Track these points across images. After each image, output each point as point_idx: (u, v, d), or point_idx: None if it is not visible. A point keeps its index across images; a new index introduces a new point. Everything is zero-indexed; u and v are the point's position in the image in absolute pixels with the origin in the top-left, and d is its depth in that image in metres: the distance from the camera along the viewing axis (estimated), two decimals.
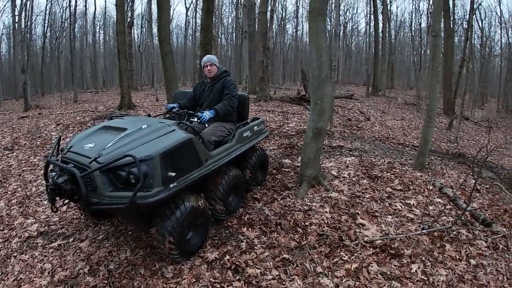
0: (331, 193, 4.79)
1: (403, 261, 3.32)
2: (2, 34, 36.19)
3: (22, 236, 4.33)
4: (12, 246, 4.14)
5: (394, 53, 33.74)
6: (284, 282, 3.11)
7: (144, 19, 38.50)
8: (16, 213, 5.03)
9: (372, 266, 3.24)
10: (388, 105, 17.11)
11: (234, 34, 36.46)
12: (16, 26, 24.80)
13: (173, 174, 3.11)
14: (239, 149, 4.28)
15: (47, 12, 31.32)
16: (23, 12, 23.06)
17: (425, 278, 3.12)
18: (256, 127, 4.80)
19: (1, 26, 42.39)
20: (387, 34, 25.57)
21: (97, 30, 40.59)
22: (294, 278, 3.16)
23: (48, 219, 4.72)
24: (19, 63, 21.59)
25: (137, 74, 31.96)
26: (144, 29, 39.10)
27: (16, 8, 24.24)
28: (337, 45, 11.52)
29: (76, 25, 31.58)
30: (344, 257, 3.42)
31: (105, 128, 3.69)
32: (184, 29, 42.88)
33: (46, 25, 32.13)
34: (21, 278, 3.51)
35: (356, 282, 3.05)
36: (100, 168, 2.96)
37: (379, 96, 21.39)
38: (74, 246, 4.00)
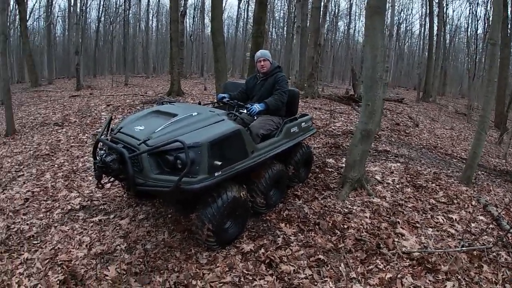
0: (373, 198, 4.66)
1: (438, 277, 3.18)
2: (58, 16, 38.01)
3: (65, 208, 4.53)
4: (54, 217, 4.34)
5: (447, 58, 32.26)
6: (316, 283, 3.06)
7: (196, 9, 39.12)
8: (61, 185, 5.26)
9: (406, 278, 3.13)
10: (438, 112, 16.45)
11: (285, 28, 36.22)
12: (72, 9, 25.91)
13: (219, 163, 3.13)
14: (285, 144, 4.24)
15: None
16: None
17: None
18: (303, 123, 4.73)
19: (57, 8, 44.34)
20: (441, 38, 24.45)
21: (150, 18, 41.67)
22: (327, 280, 3.10)
23: (91, 194, 4.90)
24: (73, 45, 22.51)
25: (187, 62, 32.59)
26: (196, 19, 39.75)
27: None
28: (391, 46, 11.16)
29: (130, 11, 32.62)
30: (380, 265, 3.32)
31: (155, 112, 3.78)
32: (235, 20, 43.31)
33: (100, 10, 33.35)
34: (58, 248, 3.67)
35: None
36: (148, 150, 3.03)
37: (430, 102, 20.53)
38: (114, 222, 4.13)
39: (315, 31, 14.24)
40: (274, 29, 42.11)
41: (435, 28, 22.90)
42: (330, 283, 3.06)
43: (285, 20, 36.83)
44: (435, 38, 22.49)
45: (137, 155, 3.07)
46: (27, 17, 23.13)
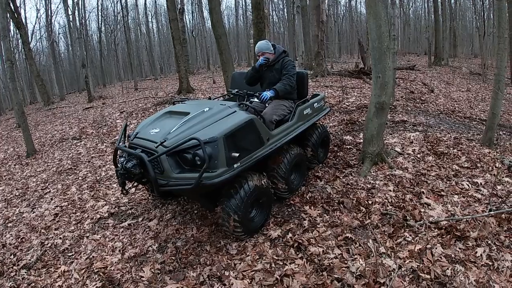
0: (395, 170, 4.63)
1: (468, 244, 3.16)
2: (59, 33, 38.51)
3: (94, 218, 4.65)
4: (85, 227, 4.47)
5: (455, 18, 31.24)
6: (346, 262, 3.07)
7: (194, 4, 39.04)
8: (87, 196, 5.40)
9: (436, 248, 3.11)
10: (452, 75, 16.10)
11: (285, 9, 35.84)
12: (71, 24, 26.20)
13: (237, 154, 3.17)
14: (300, 127, 4.25)
15: (99, 8, 32.70)
16: (76, 11, 24.22)
17: (490, 263, 2.94)
18: (316, 104, 4.72)
19: (57, 26, 44.94)
20: None
21: (150, 20, 41.79)
22: (356, 258, 3.11)
23: (118, 200, 5.02)
24: (79, 59, 22.79)
25: (193, 59, 32.66)
26: (195, 14, 39.70)
27: (68, 8, 25.60)
28: (395, 13, 10.87)
29: (129, 17, 32.70)
30: (408, 237, 3.31)
31: (168, 113, 3.84)
32: (234, 9, 43.10)
33: (99, 20, 33.60)
34: (93, 256, 3.78)
35: (420, 264, 2.94)
36: (166, 151, 3.09)
37: (442, 66, 20.05)
38: (143, 225, 4.23)
39: (316, 8, 13.97)
40: (274, 12, 41.67)
41: None
42: (360, 260, 3.07)
43: (284, 1, 36.40)
44: None
45: (156, 157, 3.13)
46: (29, 39, 23.46)
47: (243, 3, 39.06)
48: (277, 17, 42.78)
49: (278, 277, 2.97)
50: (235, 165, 3.19)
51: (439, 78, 15.05)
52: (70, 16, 26.15)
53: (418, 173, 4.58)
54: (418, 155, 5.12)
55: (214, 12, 8.24)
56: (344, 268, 2.99)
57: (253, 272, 3.08)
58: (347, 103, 8.93)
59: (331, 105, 8.75)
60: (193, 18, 40.82)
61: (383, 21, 4.45)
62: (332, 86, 11.56)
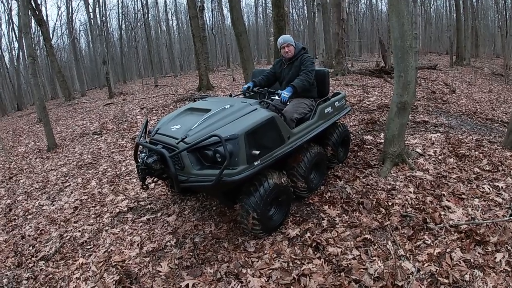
0: (416, 172, 4.56)
1: (487, 249, 3.08)
2: (80, 30, 39.18)
3: (113, 212, 4.72)
4: (104, 221, 4.54)
5: (477, 17, 30.53)
6: (364, 263, 3.05)
7: (214, 2, 39.24)
8: (107, 191, 5.48)
9: (455, 252, 3.05)
10: (474, 75, 15.77)
11: (305, 7, 35.69)
12: (92, 22, 26.63)
13: (257, 152, 3.17)
14: (320, 126, 4.22)
15: (120, 5, 33.15)
16: (97, 9, 24.62)
17: (509, 269, 2.87)
18: (337, 102, 4.68)
19: (78, 23, 45.85)
20: None
21: (170, 17, 42.17)
22: (375, 260, 3.08)
23: (137, 195, 5.07)
24: (99, 55, 23.13)
25: (212, 56, 32.83)
26: (215, 12, 39.89)
27: (89, 6, 26.07)
28: (416, 11, 10.64)
29: (149, 14, 33.08)
30: (427, 240, 3.26)
31: (189, 110, 3.87)
32: (254, 7, 43.11)
33: (120, 18, 34.08)
34: (111, 250, 3.83)
35: (438, 268, 2.90)
36: (187, 148, 3.11)
37: (464, 66, 19.62)
38: (161, 220, 4.27)
39: (337, 6, 13.84)
40: (294, 10, 41.50)
41: None
42: (379, 262, 3.04)
43: None
44: None
45: (177, 153, 3.15)
46: (51, 36, 23.91)
47: (263, 1, 39.07)
48: (296, 14, 42.65)
49: (295, 276, 2.97)
50: (256, 163, 3.19)
51: (460, 78, 14.78)
52: (91, 14, 26.68)
53: (439, 175, 4.50)
54: (439, 157, 5.02)
55: (234, 10, 8.27)
56: (362, 270, 2.97)
57: (270, 271, 3.08)
58: (367, 102, 8.84)
59: (352, 104, 8.68)
60: (213, 16, 41.06)
61: (406, 19, 4.37)
62: (353, 85, 11.47)
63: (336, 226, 3.60)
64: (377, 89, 10.71)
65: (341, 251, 3.21)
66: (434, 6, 42.90)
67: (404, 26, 4.35)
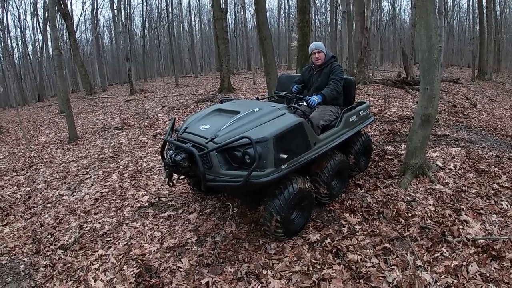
0: (436, 185, 4.55)
1: (503, 265, 3.09)
2: (104, 26, 39.84)
3: (134, 206, 4.79)
4: (124, 215, 4.61)
5: (500, 31, 29.98)
6: (383, 271, 3.07)
7: (237, 5, 39.48)
8: (128, 185, 5.56)
9: (472, 266, 3.05)
10: (496, 91, 15.51)
11: (327, 14, 35.66)
12: (116, 19, 27.07)
13: (285, 156, 3.22)
14: (345, 134, 4.26)
15: (144, 4, 33.55)
16: (121, 6, 25.04)
17: None
18: (362, 111, 4.71)
19: (102, 20, 46.61)
20: (491, 11, 22.78)
21: (193, 18, 42.58)
22: (394, 269, 3.10)
23: (158, 191, 5.15)
24: (122, 52, 23.48)
25: (233, 59, 33.02)
26: (237, 15, 40.16)
27: (114, 3, 26.53)
28: (441, 23, 10.47)
29: (173, 14, 33.43)
30: (445, 253, 3.27)
31: (218, 111, 3.93)
32: (276, 12, 43.14)
33: (144, 16, 34.49)
34: (131, 243, 3.89)
35: (455, 280, 2.91)
36: (217, 148, 3.18)
37: (485, 81, 19.25)
38: (182, 217, 4.33)
39: (361, 15, 13.83)
40: (316, 17, 41.39)
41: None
42: (397, 271, 3.06)
43: (326, 6, 36.16)
44: (484, 10, 21.08)
45: (207, 152, 3.21)
46: (75, 30, 24.34)
47: (286, 7, 39.18)
48: (319, 21, 42.56)
49: (315, 280, 3.00)
50: (282, 166, 3.23)
51: (482, 93, 14.58)
52: (115, 11, 27.14)
53: (459, 189, 4.48)
54: (459, 171, 5.00)
55: (260, 14, 8.33)
56: (380, 278, 3.00)
57: (290, 273, 3.11)
58: (389, 113, 8.82)
59: (373, 114, 8.64)
60: (235, 19, 41.30)
61: (434, 32, 4.37)
62: (374, 95, 11.42)
63: (356, 233, 3.62)
64: (399, 100, 10.66)
65: (361, 259, 3.24)
66: (457, 18, 42.31)
67: (432, 39, 4.36)
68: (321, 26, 42.56)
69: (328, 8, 33.69)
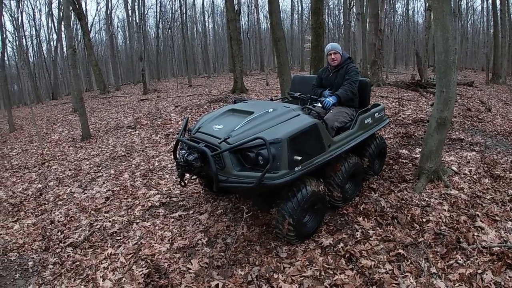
0: (451, 190, 4.46)
1: None
2: (118, 27, 40.26)
3: (145, 205, 4.79)
4: (135, 214, 4.60)
5: None
6: (396, 278, 3.00)
7: (250, 6, 39.62)
8: (139, 184, 5.56)
9: (486, 274, 2.98)
10: (510, 94, 15.28)
11: (341, 16, 35.52)
12: (130, 19, 27.33)
13: (299, 158, 3.17)
14: (360, 136, 4.20)
15: (158, 5, 33.82)
16: (136, 6, 25.28)
17: None
18: (377, 114, 4.64)
19: (116, 20, 47.16)
20: (506, 14, 22.35)
21: (206, 19, 42.79)
22: (407, 276, 3.03)
23: (169, 191, 5.14)
24: (136, 52, 23.68)
25: (246, 59, 33.09)
26: (250, 16, 40.28)
27: (128, 3, 26.81)
28: (456, 25, 10.35)
29: (186, 15, 33.64)
30: (460, 260, 3.19)
31: (231, 111, 3.90)
32: (289, 13, 43.14)
33: (157, 17, 34.80)
34: (141, 243, 3.88)
35: None
36: (231, 148, 3.15)
37: (500, 84, 18.94)
38: (193, 218, 4.31)
39: (375, 16, 13.73)
40: (330, 18, 41.26)
41: (498, 1, 21.11)
42: (411, 278, 2.99)
43: (339, 8, 36.01)
44: (498, 13, 20.73)
45: (220, 153, 3.18)
46: (89, 30, 24.64)
47: (299, 8, 39.12)
48: (332, 23, 42.41)
49: (327, 285, 2.95)
50: (296, 168, 3.19)
51: (496, 96, 14.34)
52: (129, 11, 27.40)
53: (474, 194, 4.40)
54: (474, 176, 4.91)
55: (274, 15, 8.32)
56: (394, 284, 2.93)
57: (302, 278, 3.07)
58: (403, 116, 8.71)
59: (387, 116, 8.54)
60: (248, 20, 41.41)
61: (450, 34, 4.29)
62: (388, 97, 11.32)
63: (370, 238, 3.56)
64: (413, 102, 10.54)
65: (374, 264, 3.18)
66: (471, 21, 41.72)
67: (449, 41, 4.28)
68: (334, 27, 42.38)
69: (342, 10, 33.54)
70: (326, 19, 37.32)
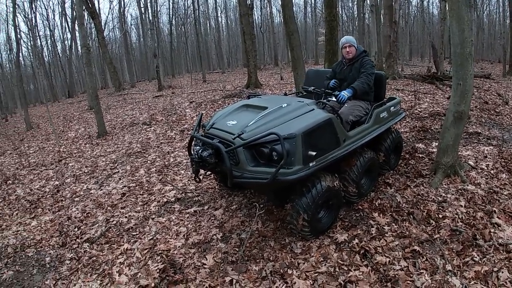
0: (468, 185, 4.38)
1: None
2: (131, 24, 40.61)
3: (161, 201, 4.84)
4: (151, 209, 4.66)
5: None
6: (411, 275, 2.98)
7: (263, 0, 39.48)
8: (155, 180, 5.62)
9: (502, 272, 2.92)
10: None
11: (354, 8, 35.12)
12: (143, 16, 27.53)
13: (314, 153, 3.15)
14: (375, 130, 4.14)
15: (171, 1, 33.98)
16: (148, 3, 25.48)
17: None
18: (392, 107, 4.57)
19: (129, 17, 47.62)
20: None
21: (219, 14, 42.84)
22: (422, 273, 3.00)
23: (185, 187, 5.18)
24: (150, 49, 23.86)
25: (260, 54, 33.04)
26: (263, 10, 40.15)
27: (141, 1, 27.04)
28: (471, 17, 10.16)
29: (199, 11, 33.74)
30: (476, 257, 3.14)
31: (245, 106, 3.90)
32: (303, 6, 42.85)
33: (170, 13, 35.00)
34: (157, 238, 3.93)
35: (484, 287, 2.81)
36: (244, 144, 3.14)
37: None
38: (208, 213, 4.34)
39: (389, 8, 13.49)
40: (343, 11, 40.80)
41: None
42: (426, 275, 2.96)
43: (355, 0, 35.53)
44: None
45: (234, 149, 3.19)
46: (103, 28, 24.91)
47: (312, 1, 38.83)
48: (346, 16, 41.96)
49: (342, 282, 2.94)
50: (311, 164, 3.17)
51: None
52: (142, 9, 27.60)
53: (491, 190, 4.31)
54: (492, 171, 4.81)
55: (287, 8, 8.25)
56: (409, 282, 2.91)
57: (316, 274, 3.06)
58: (419, 109, 8.57)
59: (403, 109, 8.43)
60: (262, 14, 41.31)
61: (466, 25, 4.18)
62: (404, 90, 11.15)
63: (385, 234, 3.52)
64: (429, 95, 10.36)
65: (389, 261, 3.15)
66: (487, 11, 40.73)
67: (465, 33, 4.18)
68: (348, 20, 41.90)
69: (355, 2, 32.99)
70: (340, 12, 36.87)
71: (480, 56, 35.19)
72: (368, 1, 15.39)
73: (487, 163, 5.03)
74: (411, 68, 20.75)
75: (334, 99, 4.03)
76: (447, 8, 4.73)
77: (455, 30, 4.24)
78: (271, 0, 29.74)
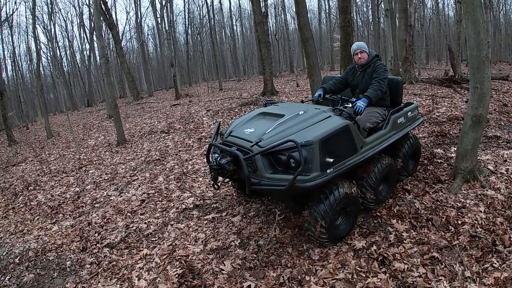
0: (487, 190, 4.32)
1: None
2: (148, 34, 41.34)
3: (179, 208, 4.91)
4: (170, 216, 4.73)
5: None
6: (430, 282, 2.95)
7: (277, 8, 39.72)
8: (173, 187, 5.70)
9: None
10: None
11: (369, 12, 34.99)
12: (160, 27, 28.01)
13: (331, 160, 3.17)
14: (393, 136, 4.12)
15: (186, 11, 34.49)
16: (164, 14, 25.90)
17: None
18: (410, 113, 4.54)
19: (146, 28, 48.53)
20: None
21: (234, 23, 43.18)
22: (441, 279, 2.97)
23: (203, 194, 5.25)
24: (166, 58, 24.23)
25: (275, 61, 33.18)
26: (278, 18, 40.36)
27: (157, 11, 27.50)
28: (488, 17, 9.98)
29: (214, 20, 34.11)
30: (495, 264, 3.10)
31: (262, 114, 3.95)
32: (317, 13, 42.84)
33: (186, 23, 35.45)
34: (176, 244, 3.98)
35: None
36: (262, 151, 3.19)
37: None
38: (226, 220, 4.38)
39: (404, 12, 13.44)
40: (358, 16, 40.64)
41: None
42: (445, 282, 2.94)
43: (367, 4, 35.45)
44: None
45: (251, 156, 3.23)
46: (120, 39, 25.43)
47: (326, 7, 38.79)
48: (361, 20, 41.78)
49: None
50: (328, 171, 3.19)
51: None
52: (159, 19, 28.11)
53: (511, 195, 4.22)
54: (511, 176, 4.74)
55: (301, 16, 8.29)
56: None
57: (334, 280, 3.07)
58: (437, 114, 8.46)
59: (421, 114, 8.35)
60: (276, 22, 41.49)
61: (482, 28, 4.14)
62: (421, 94, 11.03)
63: (404, 241, 3.50)
64: (447, 99, 10.22)
65: (407, 268, 3.13)
66: (503, 11, 39.94)
67: (480, 35, 4.14)
68: (363, 25, 41.77)
69: (370, 7, 32.93)
70: (355, 17, 36.69)
71: (498, 57, 34.37)
72: (383, 5, 15.28)
73: (507, 167, 4.94)
74: (428, 71, 20.53)
75: (350, 105, 4.04)
76: (462, 11, 4.69)
77: (471, 33, 4.21)
78: (285, 8, 29.87)
